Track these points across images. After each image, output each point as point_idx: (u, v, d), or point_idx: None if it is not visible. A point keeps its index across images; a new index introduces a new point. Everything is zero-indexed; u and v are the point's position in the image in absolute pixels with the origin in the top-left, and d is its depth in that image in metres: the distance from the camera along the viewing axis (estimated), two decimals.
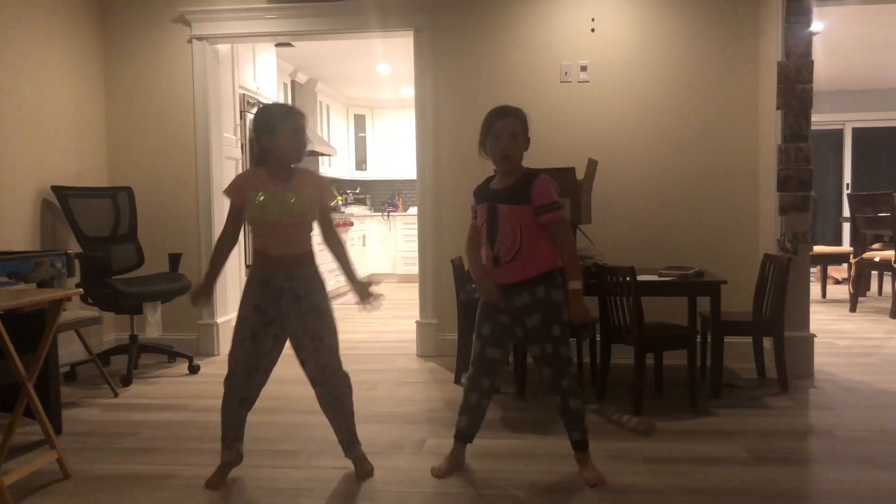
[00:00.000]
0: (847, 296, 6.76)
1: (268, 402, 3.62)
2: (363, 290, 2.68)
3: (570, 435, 2.66)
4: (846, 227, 9.11)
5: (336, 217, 8.10)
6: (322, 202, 2.66)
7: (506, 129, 2.57)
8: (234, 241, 2.65)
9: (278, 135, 2.52)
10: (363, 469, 2.72)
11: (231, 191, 2.60)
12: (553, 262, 2.60)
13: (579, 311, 2.59)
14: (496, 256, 2.60)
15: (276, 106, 2.70)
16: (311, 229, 2.65)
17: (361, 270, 9.38)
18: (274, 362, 2.67)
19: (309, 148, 7.82)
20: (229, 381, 2.63)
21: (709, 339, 3.87)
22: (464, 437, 2.78)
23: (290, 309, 2.56)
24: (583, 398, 2.66)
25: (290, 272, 2.57)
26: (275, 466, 2.84)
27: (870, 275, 7.26)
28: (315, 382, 2.66)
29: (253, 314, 2.57)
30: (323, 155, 8.62)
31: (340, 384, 2.67)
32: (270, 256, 2.56)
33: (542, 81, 4.67)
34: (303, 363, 2.64)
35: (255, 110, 5.93)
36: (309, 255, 2.63)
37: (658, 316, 3.92)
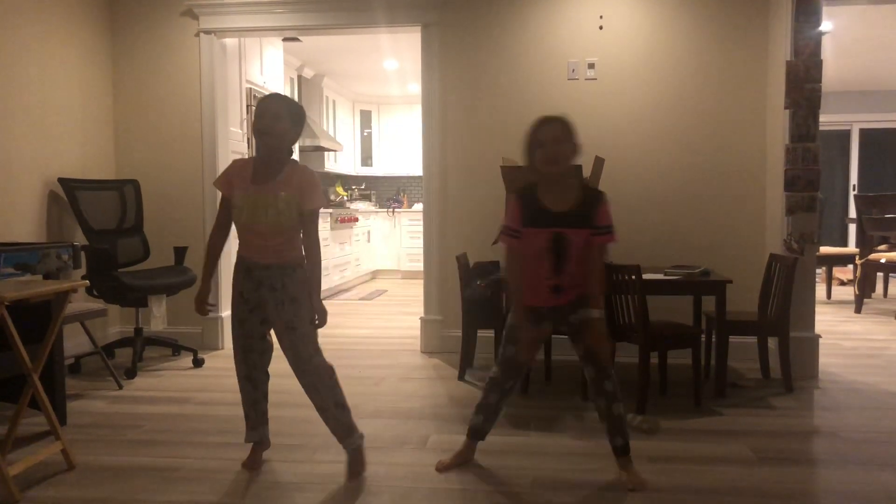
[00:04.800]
0: (852, 297, 6.75)
1: (271, 397, 3.63)
2: (316, 312, 2.61)
3: (613, 440, 2.61)
4: (852, 227, 9.08)
5: (341, 213, 8.11)
6: (302, 206, 2.54)
7: (549, 134, 2.49)
8: (224, 236, 2.68)
9: (254, 119, 2.55)
10: (353, 466, 2.66)
11: (219, 182, 2.63)
12: None
13: (603, 339, 2.57)
14: (558, 286, 2.53)
15: (265, 94, 2.72)
16: (290, 238, 2.58)
17: (366, 266, 9.40)
18: (267, 345, 2.72)
19: (313, 143, 7.87)
20: (234, 361, 2.73)
21: (713, 339, 3.86)
22: (478, 434, 2.78)
23: (267, 298, 2.59)
24: (623, 402, 2.61)
25: (266, 265, 2.58)
26: (277, 461, 2.84)
27: (875, 276, 7.22)
28: (296, 373, 2.63)
29: (238, 300, 2.65)
30: (328, 150, 8.62)
31: (318, 373, 2.62)
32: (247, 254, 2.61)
33: (549, 78, 4.66)
34: (284, 354, 2.63)
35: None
36: (285, 265, 2.58)
37: (663, 315, 3.90)
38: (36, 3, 4.29)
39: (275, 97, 2.60)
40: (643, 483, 2.56)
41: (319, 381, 2.63)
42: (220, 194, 2.66)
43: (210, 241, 2.70)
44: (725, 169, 4.55)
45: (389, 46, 7.19)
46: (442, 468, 2.72)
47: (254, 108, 2.66)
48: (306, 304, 2.59)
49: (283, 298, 2.57)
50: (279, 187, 2.52)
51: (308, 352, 2.60)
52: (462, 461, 2.76)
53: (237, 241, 2.66)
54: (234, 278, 2.66)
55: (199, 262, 4.82)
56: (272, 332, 2.67)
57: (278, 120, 2.51)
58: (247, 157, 5.66)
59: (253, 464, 2.76)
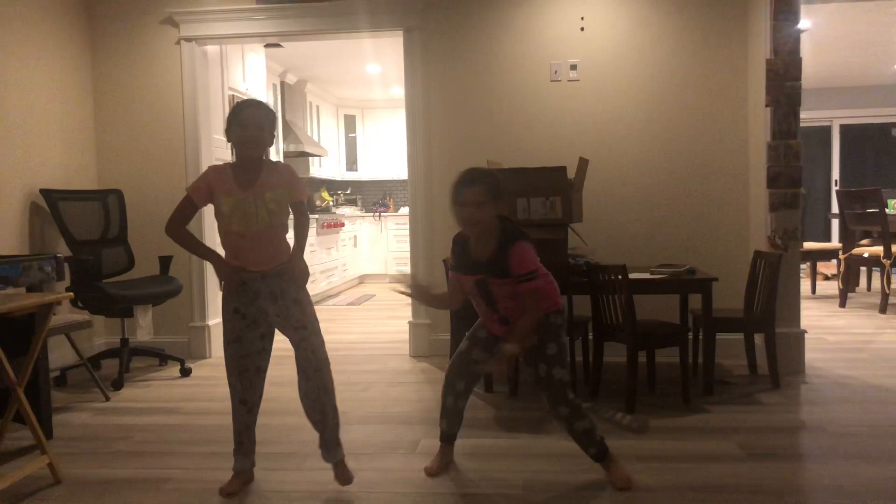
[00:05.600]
0: (836, 291, 6.81)
1: (261, 405, 3.62)
2: (296, 269, 2.60)
3: (586, 452, 2.62)
4: (835, 223, 9.16)
5: (327, 218, 8.08)
6: (292, 198, 2.58)
7: (468, 197, 2.47)
8: (184, 228, 2.59)
9: (231, 129, 2.51)
10: (344, 475, 2.62)
11: (195, 191, 2.54)
12: (555, 302, 2.58)
13: (500, 370, 2.51)
14: (504, 317, 2.60)
15: (242, 100, 2.64)
16: (282, 236, 2.60)
17: (354, 271, 9.37)
18: (266, 362, 2.66)
19: (298, 148, 7.85)
20: (229, 383, 2.64)
21: (701, 337, 3.88)
22: (448, 438, 2.80)
23: (268, 309, 2.57)
24: (587, 416, 2.59)
25: (262, 273, 2.55)
26: (268, 469, 2.82)
27: (859, 270, 7.30)
28: (305, 373, 2.58)
29: (234, 317, 2.58)
30: (313, 156, 8.61)
31: (329, 373, 2.62)
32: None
33: (532, 80, 4.68)
34: (302, 357, 2.59)
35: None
36: (280, 269, 2.58)
37: (650, 314, 3.93)
38: (13, 14, 4.25)
39: (255, 105, 2.56)
40: (629, 481, 2.57)
41: (330, 379, 2.62)
42: (203, 208, 2.61)
43: (178, 234, 2.57)
44: (708, 167, 4.58)
45: (372, 51, 7.19)
46: (431, 473, 2.73)
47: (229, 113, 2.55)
48: (309, 302, 2.62)
49: (286, 303, 2.56)
50: (265, 188, 2.52)
51: (323, 348, 2.61)
52: (446, 462, 2.78)
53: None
54: (225, 294, 2.59)
55: (185, 271, 4.84)
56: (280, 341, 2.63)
57: (262, 129, 2.52)
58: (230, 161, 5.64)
59: (233, 489, 2.59)
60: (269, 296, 2.56)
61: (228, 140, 2.56)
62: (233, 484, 2.62)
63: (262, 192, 2.51)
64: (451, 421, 2.77)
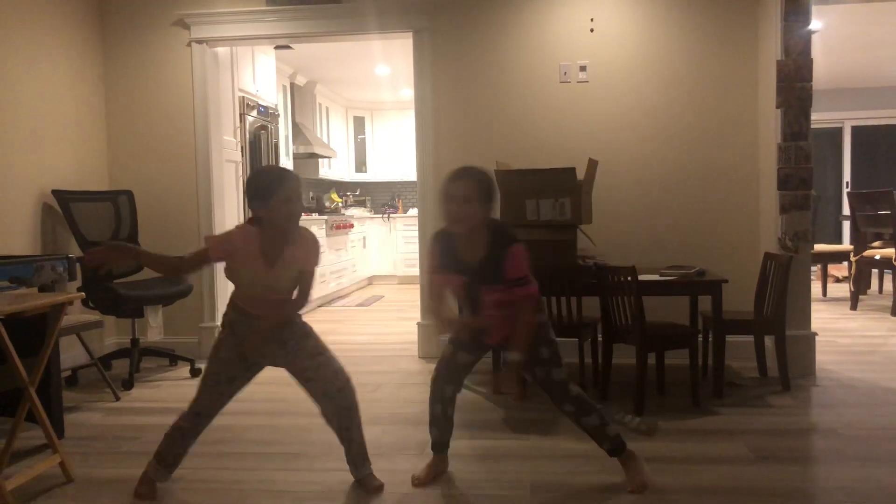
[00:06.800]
0: (848, 294, 6.76)
1: (269, 405, 3.64)
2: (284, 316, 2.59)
3: (600, 446, 2.60)
4: (846, 225, 9.11)
5: (336, 219, 8.10)
6: (306, 266, 2.54)
7: (458, 191, 2.38)
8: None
9: (271, 202, 2.38)
10: (374, 485, 2.62)
11: (219, 252, 2.47)
12: (538, 302, 2.56)
13: (511, 384, 2.60)
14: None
15: (268, 170, 2.54)
16: (293, 291, 2.61)
17: (363, 272, 9.39)
18: None
19: (307, 150, 7.88)
20: (196, 419, 2.57)
21: (710, 339, 3.87)
22: (440, 447, 2.74)
23: (277, 354, 2.55)
24: (596, 410, 2.55)
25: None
26: (277, 469, 2.84)
27: (870, 273, 7.25)
28: (328, 394, 2.56)
29: (236, 359, 2.53)
30: (322, 157, 8.63)
31: (353, 391, 2.60)
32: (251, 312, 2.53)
33: (541, 82, 4.68)
34: (310, 383, 2.58)
35: (249, 175, 5.93)
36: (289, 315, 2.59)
37: (659, 315, 3.91)
38: (26, 16, 4.29)
39: (293, 179, 2.46)
40: (643, 485, 2.55)
41: (355, 397, 2.60)
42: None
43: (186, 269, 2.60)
44: (718, 169, 4.56)
45: (381, 52, 7.20)
46: (418, 483, 2.66)
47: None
48: (316, 333, 2.64)
49: (296, 341, 2.56)
50: (291, 262, 2.48)
51: (343, 368, 2.61)
52: (437, 472, 2.72)
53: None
54: (228, 334, 2.53)
55: (196, 272, 4.84)
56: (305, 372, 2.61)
57: (301, 202, 2.49)
58: (240, 162, 5.67)
59: (153, 494, 2.60)
60: (278, 343, 2.54)
61: (257, 208, 2.41)
62: (151, 487, 2.60)
63: (289, 266, 2.47)
64: (441, 430, 2.71)
